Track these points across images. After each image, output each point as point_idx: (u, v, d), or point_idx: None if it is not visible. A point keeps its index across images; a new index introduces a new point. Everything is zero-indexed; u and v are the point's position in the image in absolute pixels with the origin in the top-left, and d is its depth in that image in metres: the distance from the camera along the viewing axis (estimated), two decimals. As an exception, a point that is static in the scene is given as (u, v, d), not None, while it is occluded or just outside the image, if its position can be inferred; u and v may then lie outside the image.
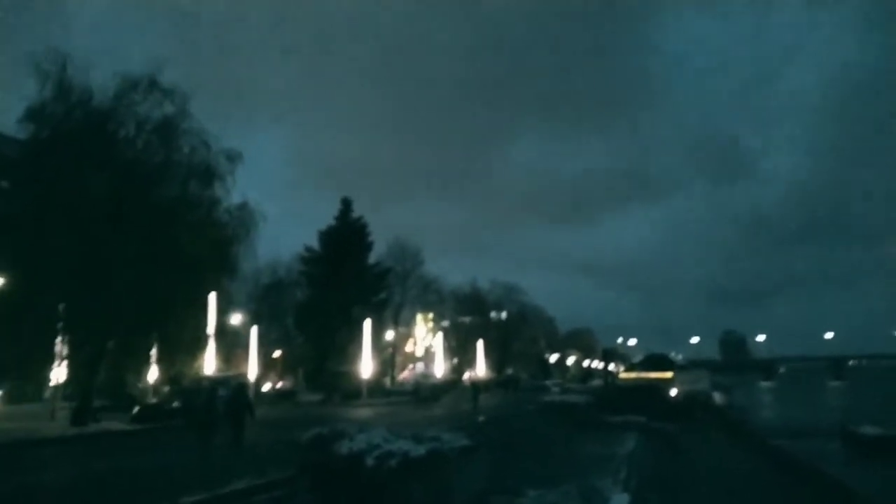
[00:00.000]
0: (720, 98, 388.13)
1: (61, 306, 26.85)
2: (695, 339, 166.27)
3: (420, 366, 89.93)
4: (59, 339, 27.66)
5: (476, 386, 46.25)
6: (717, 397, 46.60)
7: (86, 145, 26.42)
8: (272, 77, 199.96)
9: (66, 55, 26.64)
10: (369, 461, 10.77)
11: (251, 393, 35.29)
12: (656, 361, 71.08)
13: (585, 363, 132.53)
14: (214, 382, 34.93)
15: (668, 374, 50.98)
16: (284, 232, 61.23)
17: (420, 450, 10.90)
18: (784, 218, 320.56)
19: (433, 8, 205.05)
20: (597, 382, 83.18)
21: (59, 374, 29.96)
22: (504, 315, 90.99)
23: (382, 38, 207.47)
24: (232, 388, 22.22)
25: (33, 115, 26.58)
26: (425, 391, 57.10)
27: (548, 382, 74.90)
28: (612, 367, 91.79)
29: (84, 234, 25.17)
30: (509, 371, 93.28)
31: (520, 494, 13.42)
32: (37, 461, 17.89)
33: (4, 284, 26.64)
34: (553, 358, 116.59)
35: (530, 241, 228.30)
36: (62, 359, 28.42)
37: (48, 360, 28.07)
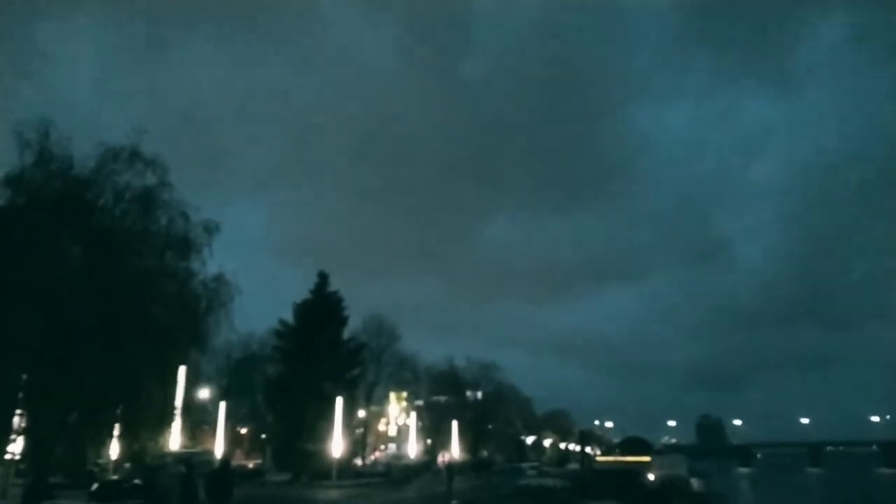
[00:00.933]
0: (693, 182, 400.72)
1: (23, 377, 25.96)
2: (672, 423, 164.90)
3: (392, 446, 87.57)
4: (16, 412, 26.57)
5: (451, 468, 45.06)
6: (695, 483, 45.72)
7: (62, 213, 26.27)
8: (251, 150, 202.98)
9: (49, 123, 26.90)
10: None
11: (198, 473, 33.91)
12: (634, 445, 69.93)
13: (562, 445, 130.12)
14: (180, 459, 33.63)
15: (646, 458, 50.08)
16: (261, 305, 60.35)
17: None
18: (758, 301, 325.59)
19: (415, 88, 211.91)
20: (573, 465, 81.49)
21: (14, 448, 28.62)
22: (480, 395, 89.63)
23: (364, 115, 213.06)
24: (217, 466, 21.58)
25: (11, 181, 26.54)
26: (397, 472, 55.42)
27: (524, 465, 73.21)
28: (588, 449, 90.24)
29: (52, 303, 24.64)
30: (484, 453, 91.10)
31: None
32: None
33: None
34: (529, 440, 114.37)
35: (507, 319, 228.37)
36: (19, 433, 27.21)
37: (5, 433, 26.85)
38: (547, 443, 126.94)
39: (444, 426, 78.95)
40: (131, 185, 28.39)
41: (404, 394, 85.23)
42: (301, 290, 60.37)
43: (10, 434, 26.95)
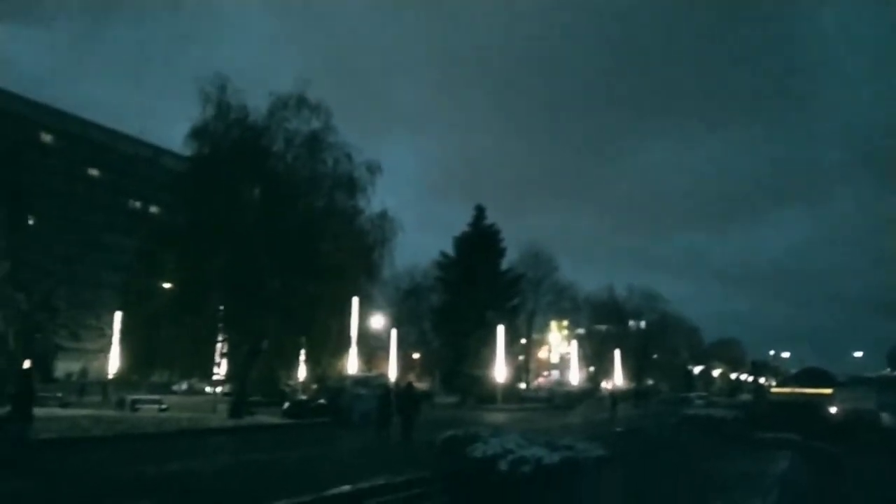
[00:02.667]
0: (885, 91, 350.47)
1: (221, 309, 29.35)
2: (858, 354, 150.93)
3: (555, 373, 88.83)
4: (219, 339, 30.31)
5: (615, 396, 45.05)
6: (886, 418, 41.97)
7: (241, 161, 28.75)
8: (407, 90, 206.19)
9: (225, 78, 29.24)
10: (502, 466, 10.78)
11: (392, 394, 36.66)
12: (814, 376, 65.31)
13: (732, 376, 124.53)
14: (358, 382, 36.62)
15: (828, 391, 46.59)
16: (422, 239, 62.91)
17: (554, 457, 10.75)
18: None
19: (561, 10, 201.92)
20: (745, 397, 77.86)
21: (220, 370, 32.75)
22: (643, 324, 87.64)
23: (513, 48, 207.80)
24: (404, 388, 24.53)
25: (196, 133, 29.35)
26: (560, 399, 56.25)
27: (691, 395, 71.22)
28: (762, 380, 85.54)
29: (238, 244, 27.34)
30: (649, 382, 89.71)
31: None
32: (199, 449, 19.56)
33: (172, 289, 29.57)
34: (697, 370, 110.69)
35: (670, 247, 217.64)
36: (222, 357, 31.08)
37: (211, 357, 30.78)
38: (716, 373, 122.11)
39: (605, 354, 78.51)
40: (299, 131, 30.37)
41: (565, 322, 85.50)
42: (459, 223, 61.93)
43: (214, 358, 30.87)
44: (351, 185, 30.99)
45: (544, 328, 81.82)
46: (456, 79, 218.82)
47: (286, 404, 32.51)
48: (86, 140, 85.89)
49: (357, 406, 29.58)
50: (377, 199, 32.09)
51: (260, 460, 17.02)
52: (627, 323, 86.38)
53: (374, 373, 52.84)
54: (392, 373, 40.94)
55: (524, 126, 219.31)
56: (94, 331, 40.97)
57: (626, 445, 19.39)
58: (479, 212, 61.61)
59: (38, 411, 21.43)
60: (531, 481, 10.26)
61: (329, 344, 31.76)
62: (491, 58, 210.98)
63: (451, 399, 52.67)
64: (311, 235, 29.30)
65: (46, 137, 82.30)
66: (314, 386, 39.62)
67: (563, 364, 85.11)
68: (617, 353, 76.55)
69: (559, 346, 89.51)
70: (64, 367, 47.84)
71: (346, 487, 11.32)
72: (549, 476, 10.30)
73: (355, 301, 32.82)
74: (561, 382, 75.45)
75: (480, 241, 59.80)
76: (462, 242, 60.56)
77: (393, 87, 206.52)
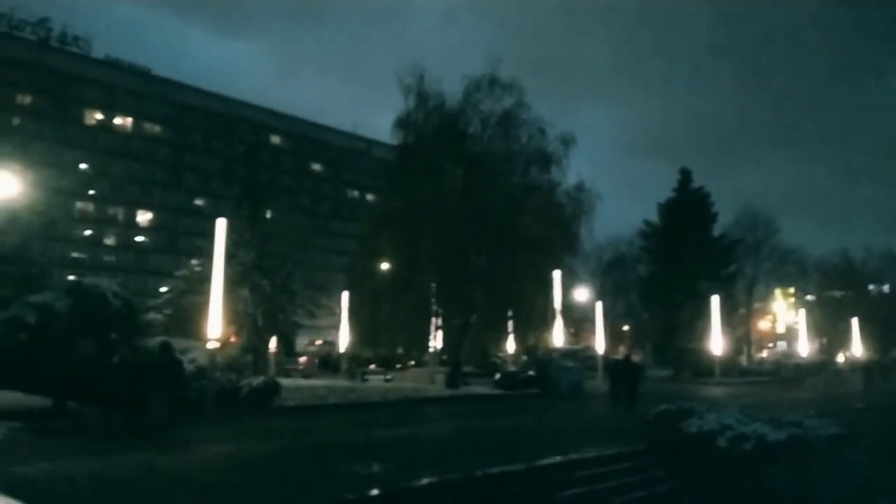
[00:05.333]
0: None
1: (433, 286, 31.24)
2: None
3: (781, 345, 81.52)
4: (433, 314, 32.31)
5: (870, 367, 40.67)
6: None
7: (442, 145, 30.20)
8: (600, 52, 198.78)
9: (422, 69, 30.74)
10: (720, 442, 10.40)
11: (599, 364, 36.51)
12: None
13: None
14: (565, 354, 36.91)
15: None
16: (623, 207, 61.16)
17: (779, 434, 10.13)
18: None
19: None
20: None
21: (435, 343, 34.89)
22: (886, 288, 76.90)
23: (711, 5, 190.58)
24: (624, 361, 25.42)
25: (400, 123, 31.38)
26: (787, 371, 51.88)
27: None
28: None
29: (445, 224, 28.85)
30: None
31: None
32: (421, 416, 21.12)
33: (389, 269, 32.17)
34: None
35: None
36: (437, 330, 33.11)
37: (427, 331, 32.95)
38: None
39: (840, 324, 70.18)
40: (493, 111, 31.10)
41: (791, 290, 77.86)
42: (663, 189, 59.02)
43: (429, 333, 32.99)
44: (546, 160, 31.27)
45: (767, 297, 75.23)
46: (648, 36, 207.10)
47: (497, 375, 33.68)
48: (308, 138, 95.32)
49: (564, 378, 29.91)
50: (573, 171, 32.04)
51: (475, 428, 17.97)
52: (866, 287, 76.36)
53: (580, 345, 52.69)
54: (599, 345, 40.48)
55: (732, 78, 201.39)
56: (325, 309, 45.56)
57: (868, 424, 17.42)
58: (685, 175, 58.09)
59: (284, 381, 24.65)
60: (753, 459, 9.76)
61: (533, 317, 32.40)
62: (688, 17, 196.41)
63: (664, 372, 50.78)
64: (510, 212, 30.04)
65: (276, 139, 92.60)
66: (523, 358, 40.55)
67: (791, 335, 77.70)
68: (854, 322, 68.08)
69: (785, 316, 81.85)
70: (303, 342, 54.04)
71: (557, 458, 11.63)
72: (773, 454, 9.72)
73: (557, 274, 32.95)
74: (788, 354, 69.09)
75: (688, 206, 56.40)
76: (667, 209, 57.59)
77: (585, 50, 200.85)
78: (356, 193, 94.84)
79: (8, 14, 72.25)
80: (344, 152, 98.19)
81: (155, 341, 17.69)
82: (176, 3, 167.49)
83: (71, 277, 46.10)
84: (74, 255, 72.41)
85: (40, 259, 57.30)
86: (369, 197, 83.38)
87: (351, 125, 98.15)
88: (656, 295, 55.39)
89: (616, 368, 24.77)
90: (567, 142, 31.14)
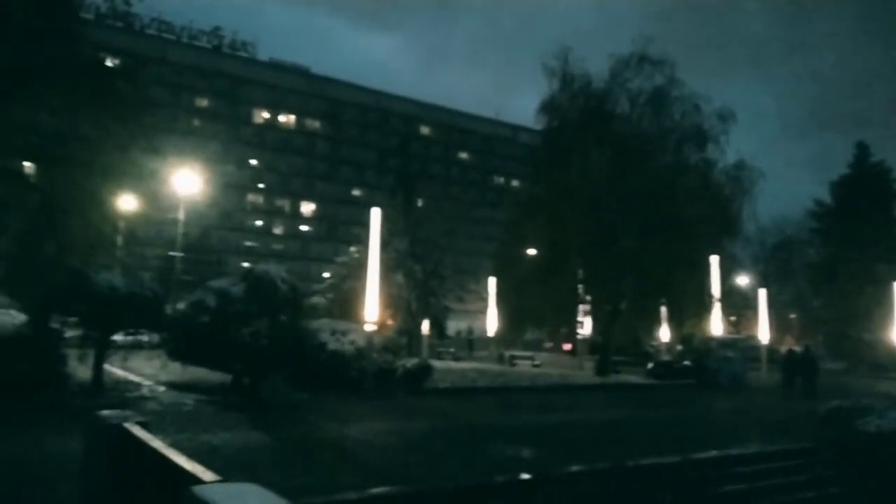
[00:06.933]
0: None
1: (580, 272, 30.82)
2: None
3: None
4: (581, 300, 31.92)
5: None
6: None
7: (588, 127, 29.59)
8: (748, 21, 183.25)
9: (567, 50, 30.20)
10: (904, 444, 9.46)
11: (763, 355, 34.18)
12: None
13: None
14: (724, 344, 34.92)
15: None
16: (788, 187, 56.48)
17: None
18: None
19: None
20: None
21: (583, 330, 34.49)
22: None
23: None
24: (801, 352, 25.71)
25: (545, 107, 31.15)
26: None
27: None
28: None
29: (592, 208, 28.29)
30: None
31: None
32: (569, 403, 21.00)
33: (536, 254, 32.12)
34: None
35: None
36: (585, 316, 32.70)
37: (574, 317, 32.64)
38: None
39: None
40: (643, 89, 29.97)
41: None
42: (836, 165, 53.63)
43: (577, 319, 32.62)
44: (701, 137, 29.73)
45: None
46: (802, 11, 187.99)
47: (650, 364, 32.66)
48: (454, 128, 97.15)
49: (724, 368, 28.42)
50: (731, 149, 30.11)
51: (626, 417, 17.63)
52: None
53: (742, 335, 49.57)
54: (763, 335, 37.82)
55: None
56: (473, 294, 46.42)
57: None
58: (862, 150, 52.41)
59: (436, 363, 25.53)
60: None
61: (689, 304, 30.97)
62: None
63: (838, 365, 46.47)
64: (661, 193, 28.82)
65: (425, 129, 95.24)
66: (678, 347, 38.92)
67: None
68: None
69: None
70: (453, 325, 55.53)
71: (714, 452, 11.16)
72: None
73: (714, 259, 31.22)
74: None
75: (866, 183, 50.85)
76: (841, 187, 52.31)
77: (738, 17, 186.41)
78: (502, 180, 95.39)
79: (188, 26, 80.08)
80: (489, 139, 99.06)
81: (319, 324, 19.07)
82: (325, 2, 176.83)
83: (244, 264, 50.71)
84: (247, 243, 79.17)
85: (218, 248, 63.53)
86: (515, 183, 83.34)
87: (493, 111, 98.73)
88: (829, 281, 50.66)
89: (791, 360, 24.07)
90: (725, 117, 29.40)
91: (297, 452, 10.60)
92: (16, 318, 16.72)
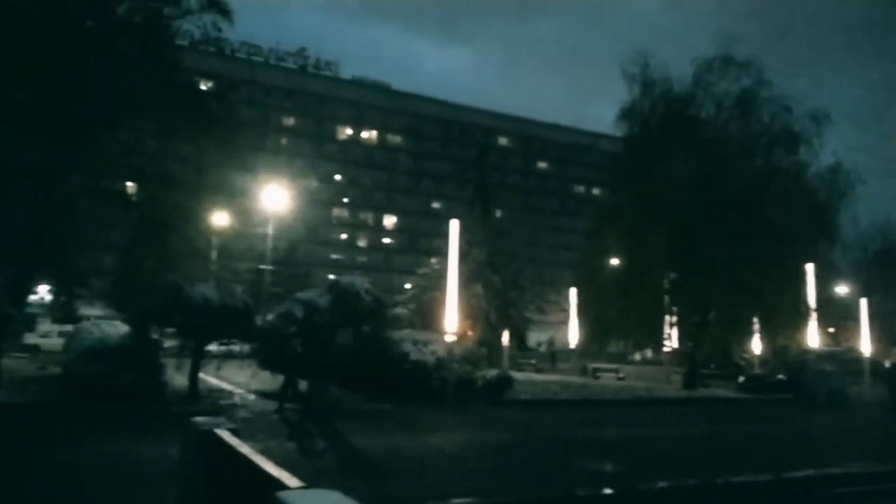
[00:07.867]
0: None
1: (666, 282, 29.89)
2: None
3: None
4: (667, 311, 30.89)
5: None
6: None
7: (671, 133, 28.74)
8: (837, 14, 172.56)
9: (647, 55, 29.55)
10: None
11: (866, 369, 32.06)
12: None
13: None
14: (822, 357, 32.95)
15: None
16: (893, 189, 52.82)
17: None
18: None
19: None
20: None
21: (670, 342, 33.34)
22: None
23: None
24: None
25: (625, 114, 30.54)
26: None
27: None
28: None
29: (677, 215, 27.39)
30: None
31: None
32: (655, 417, 20.40)
33: (618, 264, 31.42)
34: None
35: None
36: (671, 328, 31.63)
37: (660, 328, 31.62)
38: None
39: None
40: (728, 92, 28.96)
41: None
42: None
43: (664, 330, 31.60)
44: (792, 140, 28.39)
45: None
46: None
47: (741, 378, 31.31)
48: (533, 137, 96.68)
49: (822, 383, 26.82)
50: (826, 151, 28.52)
51: (715, 432, 16.96)
52: None
53: (842, 347, 46.68)
54: (865, 348, 35.44)
55: None
56: (554, 305, 45.85)
57: None
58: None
59: (517, 375, 25.37)
60: None
61: (783, 314, 29.45)
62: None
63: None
64: (750, 199, 27.63)
65: (503, 140, 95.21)
66: (772, 360, 37.06)
67: None
68: None
69: None
70: (534, 337, 55.02)
71: (811, 471, 10.59)
72: None
73: (810, 267, 29.61)
74: None
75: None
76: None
77: (832, 9, 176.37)
78: (582, 188, 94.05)
79: (275, 48, 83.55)
80: (569, 148, 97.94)
81: (401, 334, 19.36)
82: (402, 18, 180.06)
83: (330, 277, 52.15)
84: (333, 256, 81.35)
85: (305, 261, 65.57)
86: (595, 191, 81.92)
87: (572, 119, 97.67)
88: (942, 289, 47.15)
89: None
90: (818, 119, 27.93)
91: (379, 461, 10.79)
92: (120, 328, 17.86)
